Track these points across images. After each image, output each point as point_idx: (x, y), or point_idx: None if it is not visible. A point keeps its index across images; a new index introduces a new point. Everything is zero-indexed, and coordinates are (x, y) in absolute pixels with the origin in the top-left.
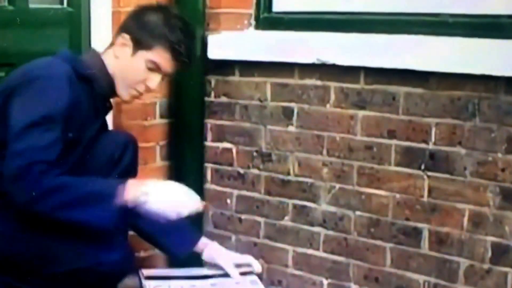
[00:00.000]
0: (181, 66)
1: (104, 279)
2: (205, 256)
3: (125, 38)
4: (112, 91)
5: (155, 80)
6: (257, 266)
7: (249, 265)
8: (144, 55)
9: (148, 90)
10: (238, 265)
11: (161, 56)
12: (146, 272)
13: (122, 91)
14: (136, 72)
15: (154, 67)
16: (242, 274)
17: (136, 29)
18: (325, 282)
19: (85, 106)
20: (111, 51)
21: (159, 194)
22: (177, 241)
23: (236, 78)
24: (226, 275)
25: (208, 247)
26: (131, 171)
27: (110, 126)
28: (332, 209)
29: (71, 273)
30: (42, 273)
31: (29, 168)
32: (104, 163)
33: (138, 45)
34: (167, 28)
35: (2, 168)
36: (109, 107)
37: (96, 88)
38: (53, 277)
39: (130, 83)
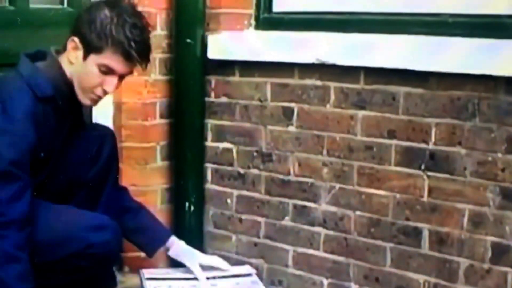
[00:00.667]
0: (137, 66)
1: (97, 261)
2: (171, 253)
3: (75, 41)
4: (73, 95)
5: (111, 83)
6: (225, 266)
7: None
8: (95, 59)
9: (106, 93)
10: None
11: (112, 59)
12: (147, 272)
13: (81, 96)
14: (90, 77)
15: (108, 70)
16: (242, 275)
17: (85, 30)
18: (325, 282)
19: (51, 124)
20: (65, 56)
21: None
22: (147, 240)
23: (236, 78)
24: (226, 276)
25: (175, 245)
26: (112, 163)
27: (110, 126)
28: (332, 209)
29: (63, 260)
30: (37, 264)
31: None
32: (82, 160)
33: (88, 48)
34: (116, 26)
35: None
36: (78, 106)
37: (59, 104)
38: (46, 266)
39: (87, 88)
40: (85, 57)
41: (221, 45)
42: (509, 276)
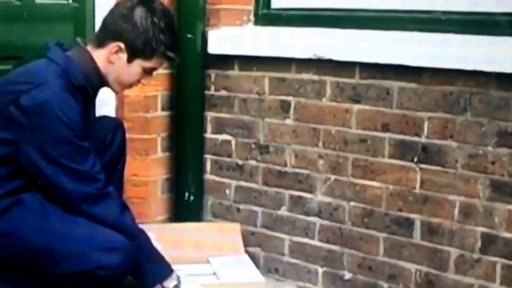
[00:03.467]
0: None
1: (105, 282)
2: None
3: (121, 46)
4: (101, 86)
5: (149, 78)
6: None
7: None
8: (141, 63)
9: (140, 84)
10: None
11: (157, 63)
12: None
13: (115, 87)
14: (132, 76)
15: (151, 71)
16: None
17: (131, 37)
18: (320, 270)
19: (81, 110)
20: (104, 55)
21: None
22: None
23: (235, 72)
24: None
25: None
26: (122, 153)
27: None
28: (328, 199)
29: (72, 275)
30: (44, 273)
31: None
32: (98, 146)
33: (135, 53)
34: (158, 33)
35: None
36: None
37: (89, 93)
38: (55, 278)
39: (125, 83)
40: (130, 60)
41: (221, 40)
42: (498, 265)
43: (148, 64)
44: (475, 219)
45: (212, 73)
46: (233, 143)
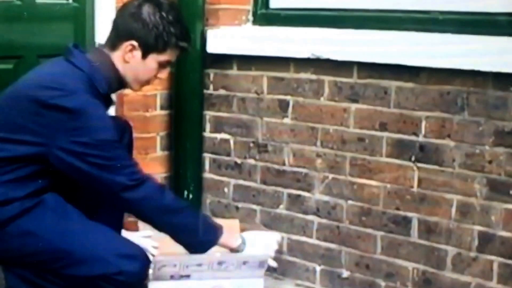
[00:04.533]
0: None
1: (120, 287)
2: None
3: (134, 44)
4: (120, 88)
5: (166, 72)
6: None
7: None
8: (156, 58)
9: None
10: None
11: (171, 55)
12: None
13: (134, 86)
14: (149, 72)
15: (166, 64)
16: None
17: (142, 33)
18: (318, 268)
19: None
20: (119, 56)
21: (252, 244)
22: None
23: (234, 71)
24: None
25: None
26: (130, 151)
27: None
28: (325, 198)
29: (91, 278)
30: (63, 274)
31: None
32: None
33: (148, 49)
34: (169, 27)
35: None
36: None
37: (110, 99)
38: (72, 279)
39: (143, 80)
40: (144, 56)
41: (220, 39)
42: (495, 264)
43: (163, 57)
44: (472, 217)
45: (211, 72)
46: (231, 142)
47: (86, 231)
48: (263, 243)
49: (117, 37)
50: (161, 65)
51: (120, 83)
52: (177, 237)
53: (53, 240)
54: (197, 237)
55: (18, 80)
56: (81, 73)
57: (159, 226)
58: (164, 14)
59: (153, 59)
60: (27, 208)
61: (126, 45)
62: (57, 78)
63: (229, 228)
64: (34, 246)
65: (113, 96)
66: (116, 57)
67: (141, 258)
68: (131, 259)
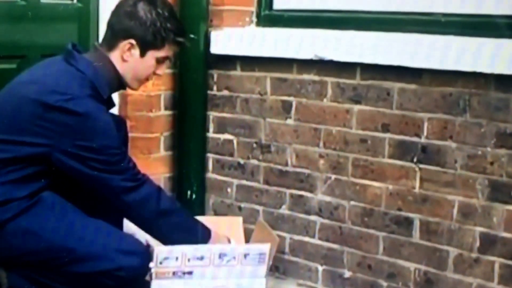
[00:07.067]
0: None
1: (124, 282)
2: None
3: (132, 43)
4: (119, 89)
5: (164, 67)
6: None
7: None
8: (154, 54)
9: (157, 76)
10: None
11: (169, 51)
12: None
13: (134, 85)
14: (148, 69)
15: (164, 60)
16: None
17: (140, 31)
18: (320, 268)
19: None
20: (117, 56)
21: None
22: None
23: (237, 72)
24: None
25: None
26: (126, 144)
27: None
28: (328, 199)
29: (92, 274)
30: (63, 271)
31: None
32: None
33: (147, 46)
34: (165, 22)
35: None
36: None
37: (111, 101)
38: (73, 276)
39: (142, 77)
40: (142, 54)
41: (223, 40)
42: (496, 265)
43: (161, 53)
44: (474, 219)
45: (215, 73)
46: (235, 142)
47: (86, 228)
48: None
49: (114, 37)
50: (159, 62)
51: (120, 83)
52: (172, 237)
53: (53, 238)
54: (191, 236)
55: (13, 80)
56: (84, 77)
57: (155, 227)
58: (160, 10)
59: (152, 56)
60: (26, 207)
61: (124, 44)
62: (62, 82)
63: (230, 225)
64: (33, 245)
65: (114, 97)
66: (115, 57)
67: (141, 253)
68: (131, 255)
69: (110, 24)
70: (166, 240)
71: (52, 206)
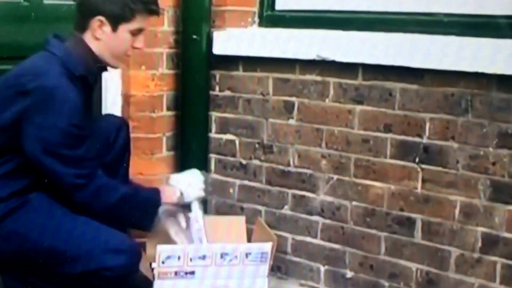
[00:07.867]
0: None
1: (113, 282)
2: None
3: (101, 19)
4: (101, 69)
5: (141, 40)
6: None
7: None
8: (127, 27)
9: (136, 49)
10: None
11: (141, 21)
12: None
13: (114, 63)
14: (123, 43)
15: (138, 31)
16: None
17: (107, 7)
18: (322, 268)
19: (82, 102)
20: (90, 35)
21: (188, 188)
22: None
23: (239, 73)
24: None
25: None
26: (125, 151)
27: None
28: (330, 199)
29: (80, 274)
30: (53, 272)
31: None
32: (102, 144)
33: (117, 20)
34: None
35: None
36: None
37: (88, 81)
38: (62, 277)
39: (120, 54)
40: (114, 29)
41: (225, 41)
42: (498, 265)
43: (133, 25)
44: (476, 219)
45: (217, 73)
46: (237, 142)
47: (73, 228)
48: (193, 183)
49: (83, 17)
50: (134, 34)
51: (99, 66)
52: (133, 217)
53: (40, 239)
54: (149, 203)
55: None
56: (54, 57)
57: (115, 217)
58: None
59: (124, 29)
60: (12, 208)
61: (94, 21)
62: (31, 64)
63: (232, 225)
64: (21, 247)
65: (116, 98)
66: (87, 37)
67: (129, 251)
68: (118, 253)
69: (77, 6)
70: (128, 223)
71: (39, 208)
